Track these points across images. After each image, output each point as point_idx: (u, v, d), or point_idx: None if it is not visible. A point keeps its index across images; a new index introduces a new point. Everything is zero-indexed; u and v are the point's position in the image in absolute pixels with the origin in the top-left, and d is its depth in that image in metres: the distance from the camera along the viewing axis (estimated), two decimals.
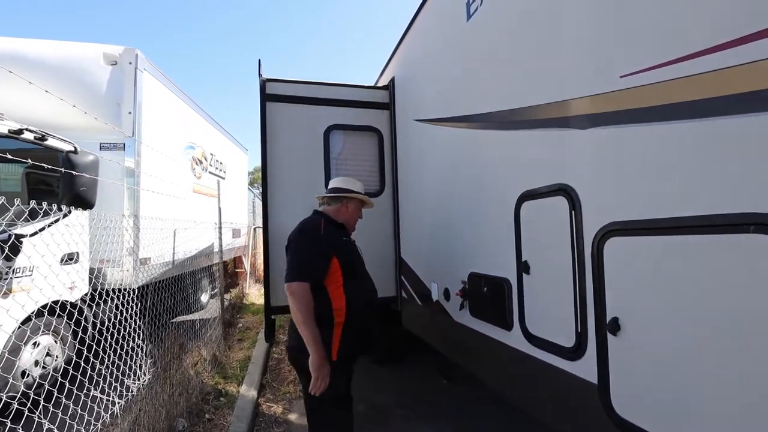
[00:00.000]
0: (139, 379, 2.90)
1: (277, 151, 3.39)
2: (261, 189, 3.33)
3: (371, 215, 3.61)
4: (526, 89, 1.73)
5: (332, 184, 2.36)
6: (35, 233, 3.11)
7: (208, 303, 7.12)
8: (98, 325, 3.61)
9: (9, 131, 3.22)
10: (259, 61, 3.34)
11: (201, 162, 6.41)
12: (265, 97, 3.39)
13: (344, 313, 1.95)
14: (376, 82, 4.19)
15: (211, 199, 6.69)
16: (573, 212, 1.47)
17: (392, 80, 3.70)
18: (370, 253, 3.61)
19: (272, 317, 3.37)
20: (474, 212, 2.23)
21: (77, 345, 3.11)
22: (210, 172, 6.80)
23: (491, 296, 2.03)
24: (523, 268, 1.76)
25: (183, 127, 5.76)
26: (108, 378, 2.72)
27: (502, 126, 1.89)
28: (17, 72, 3.99)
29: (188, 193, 5.87)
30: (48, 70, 4.07)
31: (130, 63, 4.43)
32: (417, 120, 3.07)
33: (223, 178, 7.47)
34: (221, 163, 7.49)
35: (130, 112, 4.38)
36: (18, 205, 2.38)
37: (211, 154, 6.94)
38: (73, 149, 3.24)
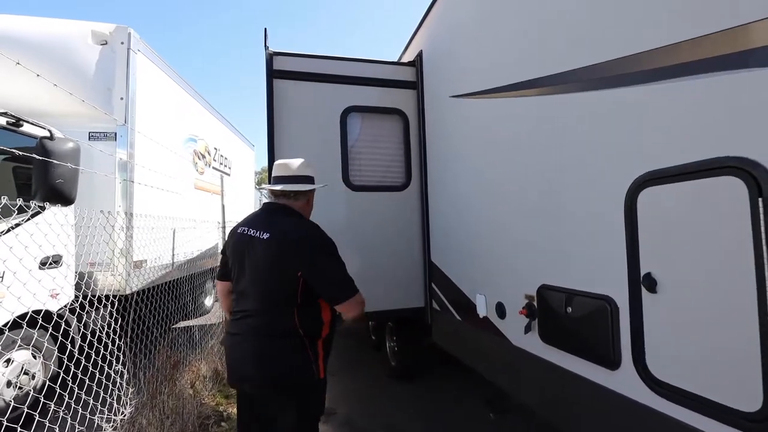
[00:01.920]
0: (117, 414, 2.40)
1: (285, 136, 2.88)
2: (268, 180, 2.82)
3: (393, 213, 3.10)
4: (674, 20, 1.18)
5: (295, 169, 1.82)
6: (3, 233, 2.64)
7: (213, 306, 6.68)
8: (88, 336, 3.16)
9: None
10: (265, 30, 2.83)
11: (204, 156, 5.93)
12: (272, 73, 2.88)
13: (328, 325, 1.72)
14: (399, 59, 3.66)
15: (214, 197, 6.21)
16: (760, 200, 0.92)
17: (419, 55, 3.16)
18: (390, 256, 3.12)
19: None
20: (550, 206, 1.68)
21: (65, 360, 2.63)
22: (214, 168, 6.33)
23: (581, 320, 1.49)
24: (644, 283, 1.22)
25: (183, 118, 5.28)
26: (82, 411, 2.22)
27: (611, 83, 1.34)
28: None
29: (189, 189, 5.39)
30: (27, 50, 3.60)
31: (122, 43, 3.95)
32: (456, 96, 2.53)
33: (228, 175, 7.00)
34: (226, 158, 7.01)
35: (122, 98, 3.90)
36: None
37: (215, 149, 6.47)
38: (48, 135, 2.76)
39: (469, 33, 2.38)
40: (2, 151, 2.83)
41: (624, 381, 1.31)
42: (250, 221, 1.73)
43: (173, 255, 4.77)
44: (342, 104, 3.02)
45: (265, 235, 1.61)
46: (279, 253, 1.58)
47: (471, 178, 2.37)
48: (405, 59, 3.50)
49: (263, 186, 1.82)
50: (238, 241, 1.69)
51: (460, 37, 2.49)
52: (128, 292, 3.78)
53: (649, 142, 1.22)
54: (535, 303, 1.77)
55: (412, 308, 3.13)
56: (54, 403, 2.28)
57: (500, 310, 2.05)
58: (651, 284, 1.19)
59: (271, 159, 2.80)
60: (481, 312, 2.24)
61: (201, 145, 5.82)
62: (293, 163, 1.83)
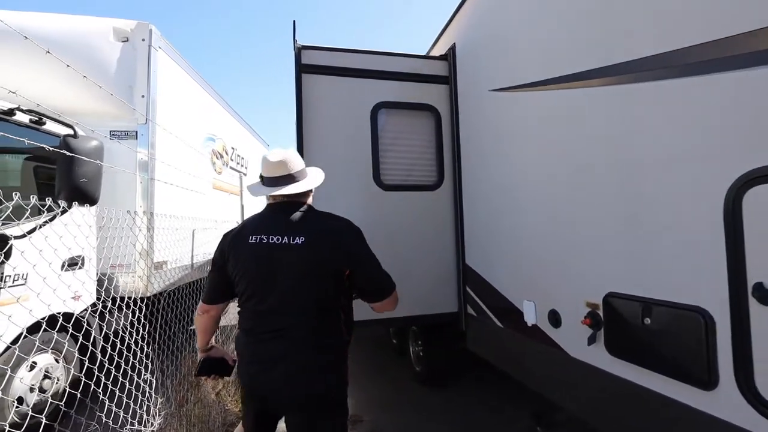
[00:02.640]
0: (146, 426, 2.30)
1: (315, 133, 2.76)
2: None
3: (424, 214, 2.97)
4: None
5: (295, 165, 1.61)
6: (23, 235, 2.56)
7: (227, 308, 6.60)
8: (111, 338, 3.09)
9: None
10: (294, 23, 2.72)
11: (221, 156, 5.86)
12: (301, 68, 2.76)
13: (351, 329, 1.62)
14: (428, 53, 3.52)
15: (231, 197, 6.14)
16: None
17: (452, 48, 3.02)
18: (421, 259, 2.99)
19: None
20: (622, 207, 1.53)
21: (88, 364, 2.55)
22: (231, 167, 6.25)
23: (664, 333, 1.34)
24: (755, 294, 1.07)
25: (202, 116, 5.21)
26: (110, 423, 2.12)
27: (711, 67, 1.19)
28: (14, 48, 3.51)
29: (208, 189, 5.32)
30: (50, 47, 3.53)
31: (143, 40, 3.87)
32: (498, 90, 2.39)
33: (245, 174, 6.93)
34: (242, 158, 6.94)
35: (143, 96, 3.83)
36: (18, 199, 1.82)
37: (233, 148, 6.39)
38: (72, 132, 2.68)
39: (517, 21, 2.23)
40: (22, 150, 2.77)
41: (723, 403, 1.16)
42: (264, 227, 1.49)
43: (193, 256, 4.70)
44: (372, 100, 2.90)
45: (300, 239, 1.41)
46: (324, 253, 1.43)
47: (517, 176, 2.23)
48: (434, 53, 3.36)
49: (257, 190, 1.64)
50: (256, 253, 1.45)
51: (505, 27, 2.35)
52: (149, 294, 3.71)
53: (759, 133, 1.07)
54: (600, 312, 1.62)
55: (445, 313, 2.99)
56: (75, 411, 2.19)
57: (554, 318, 1.91)
58: (764, 296, 1.04)
59: (300, 155, 2.69)
60: (530, 320, 2.10)
61: (219, 144, 5.75)
62: (289, 159, 1.59)
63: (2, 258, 2.50)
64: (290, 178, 1.56)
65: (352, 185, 2.82)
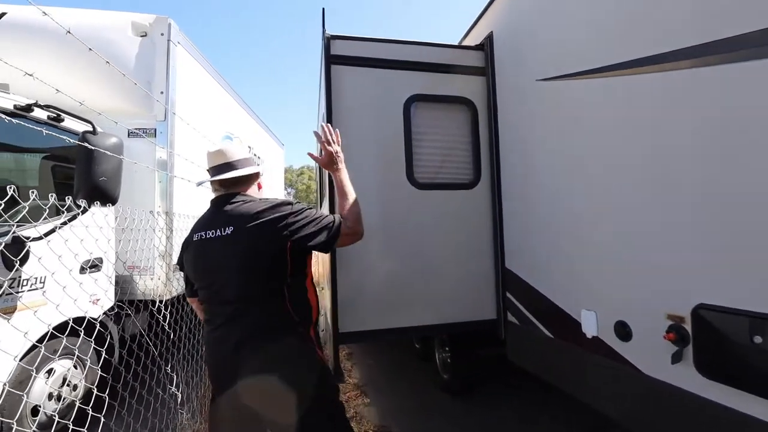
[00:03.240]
0: None
1: (345, 128, 2.58)
2: (327, 177, 2.54)
3: (460, 214, 2.77)
4: None
5: (232, 153, 1.70)
6: (40, 237, 2.43)
7: None
8: (128, 342, 2.96)
9: (15, 107, 2.57)
10: (323, 10, 2.55)
11: None
12: (330, 59, 2.60)
13: (316, 309, 1.61)
14: (460, 42, 3.32)
15: None
16: None
17: (489, 37, 2.83)
18: (456, 262, 2.79)
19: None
20: (714, 206, 1.33)
21: (99, 373, 2.42)
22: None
23: None
24: None
25: (220, 114, 5.08)
26: None
27: None
28: (31, 44, 3.41)
29: None
30: (67, 42, 3.43)
31: (162, 34, 3.75)
32: (547, 79, 2.19)
33: (262, 174, 6.79)
34: (259, 157, 6.80)
35: (162, 92, 3.70)
36: (35, 199, 1.68)
37: (249, 147, 6.27)
38: (90, 129, 2.55)
39: (572, 2, 2.02)
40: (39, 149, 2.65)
41: None
42: (204, 224, 1.58)
43: None
44: (405, 93, 2.72)
45: (229, 229, 1.47)
46: (252, 238, 1.45)
47: (574, 172, 2.02)
48: (468, 43, 3.17)
49: (201, 180, 1.63)
50: (198, 250, 1.54)
51: (557, 10, 2.15)
52: (168, 297, 3.58)
53: None
54: (687, 326, 1.41)
55: (481, 321, 2.80)
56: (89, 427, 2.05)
57: (622, 331, 1.70)
58: None
59: None
60: (590, 331, 1.90)
61: (236, 143, 5.62)
62: (227, 149, 1.71)
63: (17, 263, 2.41)
64: (228, 167, 1.63)
65: (385, 183, 2.64)
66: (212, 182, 1.67)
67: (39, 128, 2.15)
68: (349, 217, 1.62)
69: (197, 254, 1.54)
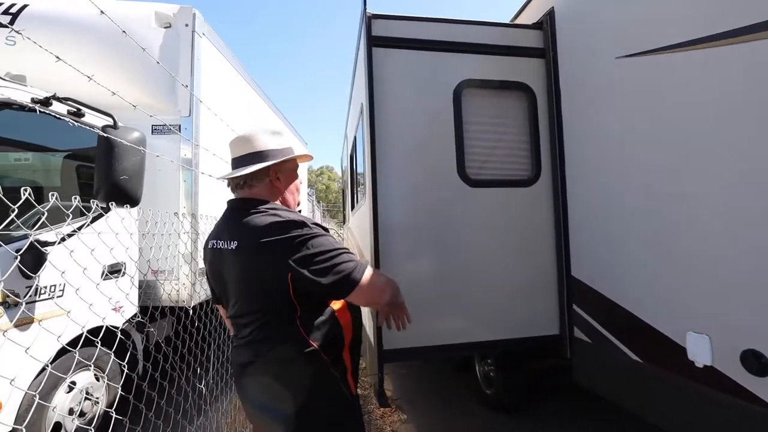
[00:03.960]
0: None
1: (388, 117, 2.30)
2: (369, 172, 2.25)
3: (517, 215, 2.44)
4: None
5: (248, 145, 1.39)
6: (59, 241, 2.22)
7: None
8: (152, 354, 2.75)
9: (33, 100, 2.38)
10: None
11: None
12: (371, 41, 2.30)
13: (351, 331, 1.38)
14: (513, 20, 2.97)
15: None
16: None
17: (549, 14, 2.48)
18: (512, 270, 2.45)
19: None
20: None
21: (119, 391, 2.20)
22: None
23: None
24: None
25: (244, 110, 4.88)
26: None
27: None
28: (52, 36, 3.24)
29: None
30: (90, 34, 3.26)
31: (187, 25, 3.54)
32: (633, 55, 1.84)
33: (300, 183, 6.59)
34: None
35: (186, 86, 3.49)
36: (55, 200, 1.45)
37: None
38: (111, 123, 2.34)
39: None
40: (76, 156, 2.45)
41: None
42: (217, 231, 1.40)
43: None
44: (455, 78, 2.40)
45: (234, 244, 1.26)
46: (251, 259, 1.23)
47: (679, 163, 1.66)
48: (522, 21, 2.82)
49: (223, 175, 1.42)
50: (212, 260, 1.38)
51: None
52: (193, 303, 3.37)
53: None
54: None
55: (541, 336, 2.46)
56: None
57: (755, 362, 1.35)
58: None
59: (373, 146, 2.23)
60: (700, 359, 1.54)
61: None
62: (247, 138, 1.40)
63: (38, 266, 2.23)
64: (249, 159, 1.36)
65: (433, 180, 2.33)
66: (226, 180, 1.44)
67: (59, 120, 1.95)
68: (377, 280, 1.33)
69: (211, 263, 1.39)
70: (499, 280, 2.43)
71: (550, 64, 2.46)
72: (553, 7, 2.46)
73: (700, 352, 1.54)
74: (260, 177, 1.38)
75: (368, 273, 1.25)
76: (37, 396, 1.69)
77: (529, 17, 2.70)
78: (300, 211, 1.47)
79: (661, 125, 1.73)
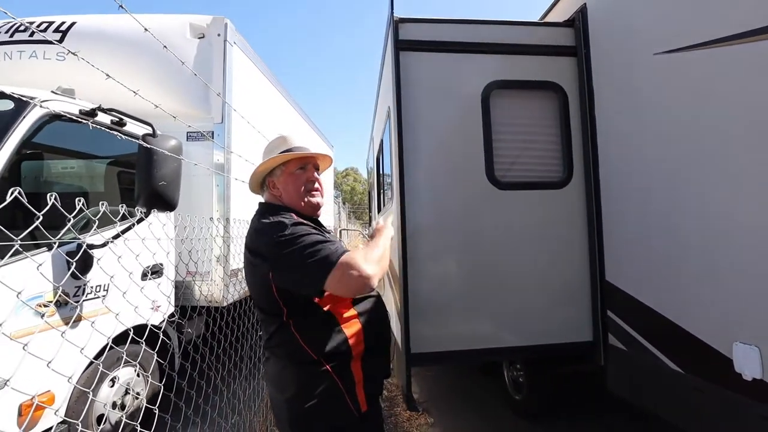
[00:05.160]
0: None
1: (416, 120, 2.30)
2: (396, 175, 2.26)
3: (547, 217, 2.38)
4: None
5: (291, 142, 1.54)
6: (104, 244, 2.36)
7: None
8: (190, 353, 2.87)
9: (81, 112, 2.53)
10: None
11: None
12: (398, 45, 2.31)
13: (363, 342, 1.30)
14: (541, 19, 2.91)
15: None
16: None
17: (581, 11, 2.41)
18: (540, 273, 2.39)
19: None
20: None
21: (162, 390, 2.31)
22: None
23: None
24: None
25: (273, 116, 5.00)
26: None
27: None
28: (96, 51, 3.43)
29: None
30: (130, 47, 3.44)
31: (219, 35, 3.67)
32: (672, 51, 1.76)
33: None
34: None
35: (218, 94, 3.62)
36: (105, 208, 1.55)
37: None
38: (150, 131, 2.46)
39: None
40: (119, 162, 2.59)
41: None
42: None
43: None
44: (483, 79, 2.38)
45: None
46: (246, 261, 1.34)
47: (725, 162, 1.58)
48: (551, 19, 2.76)
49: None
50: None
51: None
52: (225, 304, 3.49)
53: None
54: None
55: (572, 343, 2.38)
56: None
57: None
58: None
59: (400, 148, 2.24)
60: (749, 371, 1.46)
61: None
62: (293, 136, 1.54)
63: (87, 267, 2.37)
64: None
65: (462, 183, 2.31)
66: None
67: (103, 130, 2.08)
68: (364, 254, 1.21)
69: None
70: (530, 284, 2.38)
71: (582, 62, 2.39)
72: (585, 4, 2.39)
73: (748, 364, 1.46)
74: (261, 187, 1.51)
75: (347, 258, 1.15)
76: (91, 393, 1.81)
77: (560, 15, 2.64)
78: (316, 210, 1.47)
79: (705, 124, 1.65)
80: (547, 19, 2.80)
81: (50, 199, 1.20)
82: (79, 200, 1.42)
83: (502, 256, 2.36)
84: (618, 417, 3.06)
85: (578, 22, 2.42)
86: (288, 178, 1.42)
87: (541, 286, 2.38)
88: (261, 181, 1.50)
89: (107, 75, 1.57)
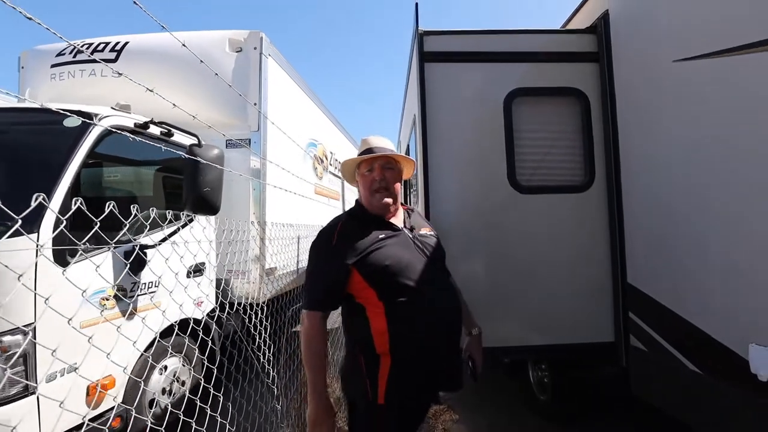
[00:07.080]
0: None
1: (441, 128, 2.42)
2: (421, 179, 2.39)
3: (569, 221, 2.44)
4: None
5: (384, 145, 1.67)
6: (155, 245, 2.61)
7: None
8: (228, 347, 3.11)
9: (135, 125, 2.81)
10: (416, 5, 2.41)
11: (322, 161, 5.87)
12: (423, 56, 2.44)
13: (388, 340, 1.34)
14: (564, 26, 2.96)
15: (331, 201, 6.13)
16: None
17: (603, 17, 2.46)
18: (563, 275, 2.43)
19: None
20: None
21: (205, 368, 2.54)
22: (330, 172, 6.26)
23: None
24: None
25: (305, 121, 5.23)
26: None
27: None
28: (144, 68, 3.75)
29: (311, 194, 5.33)
30: (174, 62, 3.73)
31: (255, 48, 3.92)
32: (693, 58, 1.80)
33: (341, 179, 6.93)
34: (339, 162, 6.95)
35: (255, 104, 3.86)
36: (153, 211, 1.78)
37: (331, 153, 6.40)
38: (196, 142, 2.70)
39: None
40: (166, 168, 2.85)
41: None
42: None
43: (298, 262, 4.70)
44: (506, 87, 2.47)
45: None
46: None
47: (741, 172, 1.61)
48: (574, 26, 2.81)
49: None
50: None
51: None
52: (261, 300, 3.72)
53: None
54: None
55: (594, 343, 2.43)
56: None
57: None
58: None
59: (425, 154, 2.37)
60: (764, 372, 1.49)
61: (320, 149, 5.76)
62: (380, 141, 1.64)
63: (141, 266, 2.63)
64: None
65: (484, 187, 2.42)
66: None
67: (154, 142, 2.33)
68: (301, 322, 1.47)
69: None
70: (552, 285, 2.44)
71: (605, 68, 2.43)
72: (607, 10, 2.44)
73: (763, 365, 1.49)
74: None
75: (302, 315, 1.45)
76: (142, 383, 2.04)
77: (582, 22, 2.68)
78: (384, 210, 1.50)
79: (726, 130, 1.68)
80: (570, 26, 2.85)
81: (107, 207, 1.40)
82: (134, 206, 1.64)
83: (525, 258, 2.44)
84: (642, 422, 3.05)
85: (600, 28, 2.46)
86: (360, 179, 1.54)
87: (564, 288, 2.45)
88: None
89: (149, 89, 1.78)
